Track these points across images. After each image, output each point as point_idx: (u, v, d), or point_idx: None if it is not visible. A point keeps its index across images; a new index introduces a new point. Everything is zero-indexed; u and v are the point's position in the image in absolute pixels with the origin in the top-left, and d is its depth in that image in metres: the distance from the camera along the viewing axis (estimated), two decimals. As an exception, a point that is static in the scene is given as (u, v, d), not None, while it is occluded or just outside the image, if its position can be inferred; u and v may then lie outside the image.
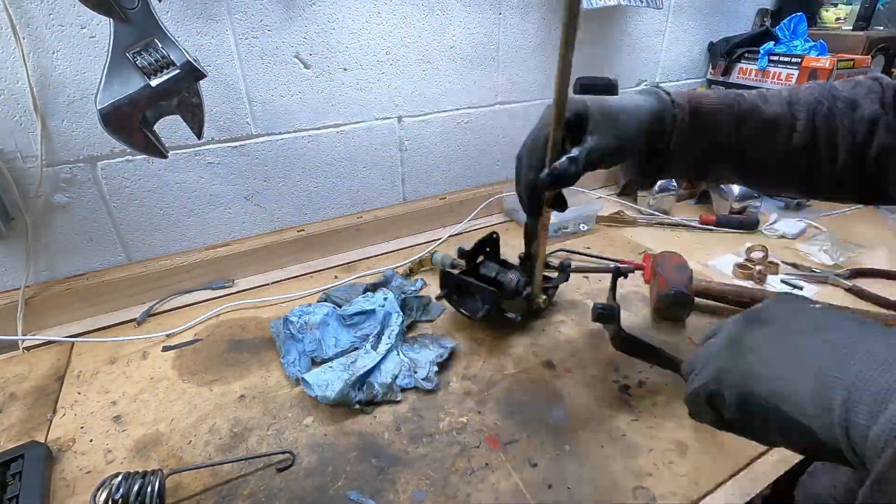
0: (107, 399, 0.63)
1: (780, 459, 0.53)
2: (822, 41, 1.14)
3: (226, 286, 0.86)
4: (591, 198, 1.13)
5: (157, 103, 0.58)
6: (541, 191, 0.53)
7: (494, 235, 0.77)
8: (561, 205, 0.58)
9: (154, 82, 0.56)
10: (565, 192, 0.57)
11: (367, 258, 0.96)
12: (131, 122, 0.57)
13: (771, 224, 1.03)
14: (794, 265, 0.88)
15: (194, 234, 0.86)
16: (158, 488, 0.47)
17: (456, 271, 0.73)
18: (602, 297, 0.79)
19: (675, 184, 1.09)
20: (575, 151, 0.48)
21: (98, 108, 0.55)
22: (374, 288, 0.79)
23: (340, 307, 0.74)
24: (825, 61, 1.07)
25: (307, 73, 0.84)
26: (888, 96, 0.50)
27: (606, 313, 0.60)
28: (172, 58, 0.56)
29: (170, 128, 0.76)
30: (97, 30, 0.68)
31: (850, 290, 0.80)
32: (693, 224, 1.05)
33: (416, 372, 0.63)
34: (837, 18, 1.29)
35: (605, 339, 0.71)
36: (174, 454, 0.55)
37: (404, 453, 0.54)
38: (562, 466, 0.52)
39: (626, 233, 1.04)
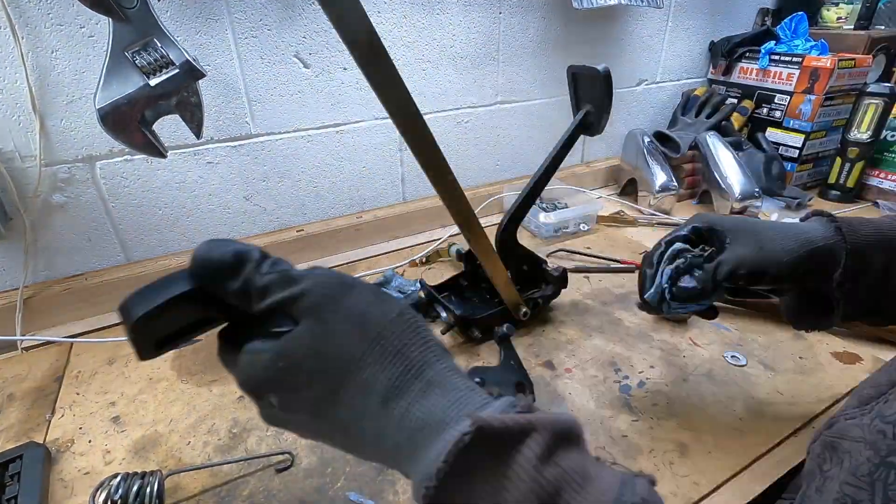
0: (105, 400, 0.63)
1: (781, 460, 0.53)
2: (823, 40, 1.14)
3: (225, 286, 0.86)
4: (591, 197, 1.13)
5: (156, 103, 0.58)
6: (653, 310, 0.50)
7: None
8: (709, 315, 0.53)
9: (153, 82, 0.56)
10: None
11: (367, 258, 0.96)
12: (130, 122, 0.57)
13: (771, 224, 1.03)
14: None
15: (193, 233, 0.86)
16: (157, 489, 0.47)
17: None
18: (602, 296, 0.79)
19: (675, 183, 1.09)
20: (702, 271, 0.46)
21: (97, 107, 0.55)
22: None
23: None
24: (826, 61, 1.07)
25: (307, 72, 0.84)
26: None
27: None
28: (171, 57, 0.56)
29: (169, 127, 0.75)
30: (96, 29, 0.68)
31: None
32: (693, 224, 1.04)
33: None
34: (838, 18, 1.29)
35: (605, 339, 0.71)
36: (173, 455, 0.55)
37: (404, 454, 0.54)
38: (562, 467, 0.52)
39: (627, 233, 1.04)
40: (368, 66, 0.42)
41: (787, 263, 0.44)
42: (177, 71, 0.56)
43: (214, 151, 0.82)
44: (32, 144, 0.69)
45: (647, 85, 1.26)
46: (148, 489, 0.47)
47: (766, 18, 1.32)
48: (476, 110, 1.03)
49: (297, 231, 0.93)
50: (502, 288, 0.65)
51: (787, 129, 1.17)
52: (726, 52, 1.25)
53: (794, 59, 1.12)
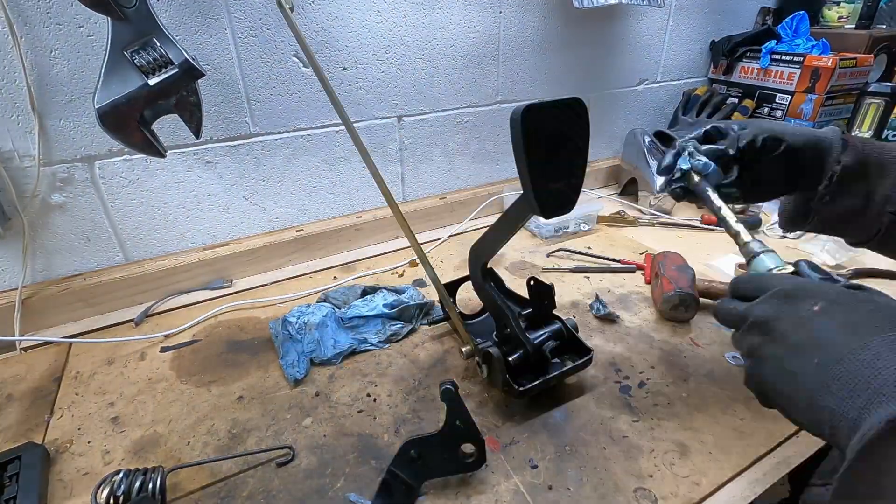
0: (104, 400, 0.63)
1: (782, 461, 0.52)
2: (824, 40, 1.14)
3: (224, 286, 0.86)
4: (591, 197, 1.13)
5: (156, 102, 0.58)
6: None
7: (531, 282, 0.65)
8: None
9: (152, 81, 0.56)
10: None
11: (367, 258, 0.95)
12: (129, 121, 0.57)
13: (773, 224, 1.02)
14: (796, 265, 0.88)
15: (193, 233, 0.86)
16: (160, 485, 0.47)
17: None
18: (602, 296, 0.79)
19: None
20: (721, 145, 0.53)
21: (96, 107, 0.55)
22: (372, 290, 0.79)
23: (339, 309, 0.74)
24: (827, 60, 1.06)
25: (306, 71, 0.84)
26: None
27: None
28: (171, 56, 0.56)
29: (168, 127, 0.75)
30: (95, 28, 0.68)
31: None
32: (694, 224, 1.04)
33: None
34: (840, 17, 1.29)
35: (604, 339, 0.71)
36: (172, 455, 0.54)
37: (404, 455, 0.54)
38: (562, 468, 0.52)
39: (627, 233, 1.03)
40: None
41: (800, 138, 0.51)
42: (176, 70, 0.56)
43: (214, 151, 0.82)
44: (31, 144, 0.69)
45: (647, 84, 1.26)
46: (150, 485, 0.47)
47: (767, 17, 1.32)
48: (476, 110, 1.03)
49: (297, 231, 0.93)
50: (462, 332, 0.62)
51: (787, 128, 1.17)
52: (727, 52, 1.25)
53: (796, 59, 1.12)
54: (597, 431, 0.56)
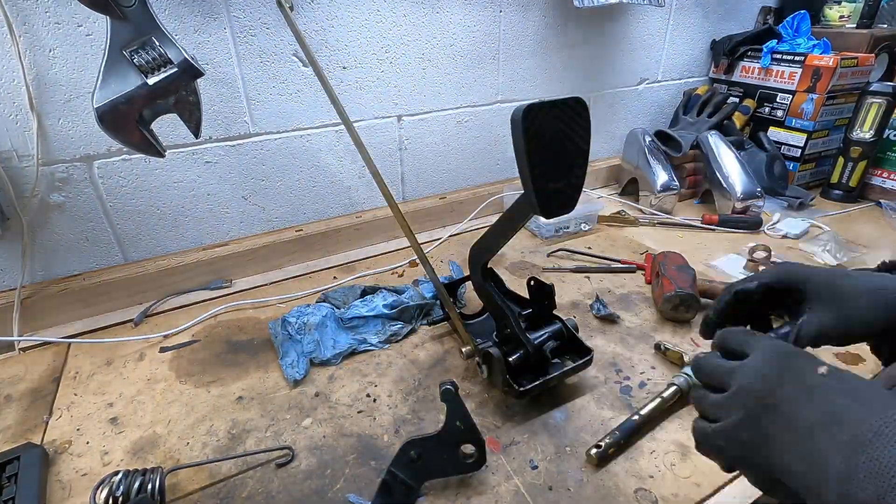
0: (103, 401, 0.62)
1: (784, 462, 0.52)
2: (825, 39, 1.13)
3: (224, 286, 0.86)
4: (592, 197, 1.13)
5: (155, 102, 0.57)
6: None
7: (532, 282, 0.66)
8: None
9: (151, 80, 0.55)
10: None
11: (367, 258, 0.95)
12: (128, 121, 0.57)
13: (773, 224, 1.02)
14: (797, 265, 0.88)
15: (192, 233, 0.86)
16: (159, 485, 0.47)
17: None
18: (603, 296, 0.79)
19: (676, 183, 1.08)
20: (784, 328, 0.42)
21: (95, 106, 0.55)
22: (372, 290, 0.79)
23: (339, 309, 0.74)
24: (828, 59, 1.06)
25: (306, 71, 0.83)
26: None
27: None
28: (170, 56, 0.56)
29: (167, 126, 0.75)
30: (94, 28, 0.67)
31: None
32: (695, 224, 1.04)
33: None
34: (841, 16, 1.29)
35: (605, 339, 0.71)
36: (171, 456, 0.54)
37: (403, 456, 0.53)
38: (562, 468, 0.52)
39: (628, 232, 1.03)
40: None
41: (875, 328, 0.42)
42: (175, 70, 0.56)
43: (213, 151, 0.82)
44: (30, 144, 0.69)
45: (648, 84, 1.26)
46: (149, 486, 0.47)
47: (768, 17, 1.32)
48: (476, 109, 1.03)
49: (297, 231, 0.93)
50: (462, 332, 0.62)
51: (789, 128, 1.17)
52: (728, 51, 1.24)
53: (797, 58, 1.12)
54: (597, 432, 0.56)
